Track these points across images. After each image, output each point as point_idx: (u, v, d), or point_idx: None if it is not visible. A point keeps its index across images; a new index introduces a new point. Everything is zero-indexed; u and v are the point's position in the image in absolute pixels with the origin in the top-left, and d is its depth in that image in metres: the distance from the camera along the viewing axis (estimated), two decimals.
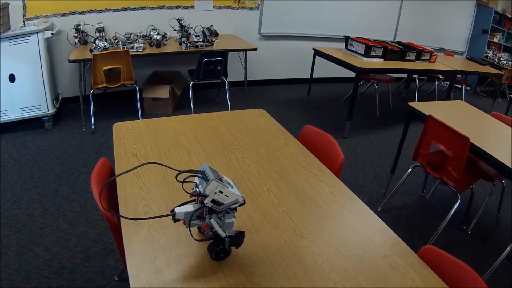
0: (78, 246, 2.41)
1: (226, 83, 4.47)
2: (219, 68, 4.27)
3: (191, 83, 4.31)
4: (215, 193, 1.01)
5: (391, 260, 1.29)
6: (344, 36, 4.84)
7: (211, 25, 4.56)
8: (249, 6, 5.17)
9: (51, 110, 3.81)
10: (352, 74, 4.17)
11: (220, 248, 1.12)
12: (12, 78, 3.52)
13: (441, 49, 6.82)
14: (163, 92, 4.41)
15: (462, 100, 6.26)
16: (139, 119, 4.03)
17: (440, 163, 2.72)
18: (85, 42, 3.97)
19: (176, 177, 1.03)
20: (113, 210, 1.51)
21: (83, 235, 2.51)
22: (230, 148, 1.90)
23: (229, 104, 4.58)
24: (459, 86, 6.59)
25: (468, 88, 6.85)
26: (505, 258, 2.39)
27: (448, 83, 6.39)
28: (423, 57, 4.64)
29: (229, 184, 1.06)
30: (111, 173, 1.71)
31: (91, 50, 3.62)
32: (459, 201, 2.63)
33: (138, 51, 3.85)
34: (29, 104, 3.68)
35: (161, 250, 1.18)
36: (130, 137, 1.95)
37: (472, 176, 2.75)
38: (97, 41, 3.68)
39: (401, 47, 4.62)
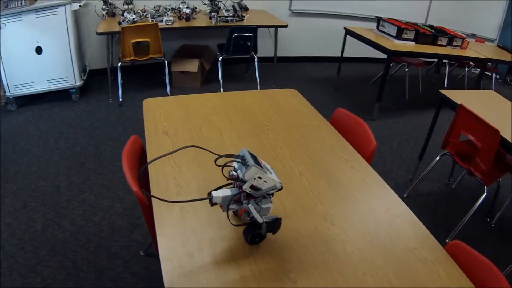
0: (104, 220, 2.45)
1: (256, 59, 4.43)
2: (248, 43, 4.23)
3: (220, 57, 4.29)
4: (254, 178, 1.01)
5: (420, 253, 1.27)
6: (375, 17, 4.71)
7: (241, 0, 4.48)
8: None
9: (78, 82, 3.84)
10: (382, 55, 4.08)
11: (256, 233, 1.13)
12: (39, 50, 3.55)
13: (472, 35, 6.57)
14: (192, 66, 4.39)
15: (492, 88, 6.12)
16: (167, 92, 4.07)
17: (468, 153, 2.66)
18: (113, 15, 3.96)
19: (215, 161, 1.03)
20: (143, 188, 1.53)
21: (109, 209, 2.55)
22: (262, 128, 1.89)
23: (258, 80, 4.55)
24: (489, 74, 6.37)
25: (498, 76, 6.61)
26: None
27: (477, 70, 6.22)
28: (454, 43, 4.48)
29: (267, 169, 1.05)
30: (142, 151, 1.72)
31: (119, 23, 3.61)
32: (485, 193, 2.58)
33: (167, 24, 3.83)
34: (56, 76, 3.72)
35: (193, 233, 1.19)
36: (160, 114, 1.95)
37: (500, 169, 2.68)
38: (125, 14, 3.66)
39: (433, 31, 4.47)
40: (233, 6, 4.30)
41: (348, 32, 4.64)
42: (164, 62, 4.02)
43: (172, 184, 1.40)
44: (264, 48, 4.61)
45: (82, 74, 3.96)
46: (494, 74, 6.27)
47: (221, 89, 4.36)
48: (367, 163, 1.74)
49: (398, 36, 4.23)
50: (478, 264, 1.28)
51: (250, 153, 1.05)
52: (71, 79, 3.77)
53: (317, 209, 1.38)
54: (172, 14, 4.02)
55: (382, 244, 1.28)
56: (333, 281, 1.11)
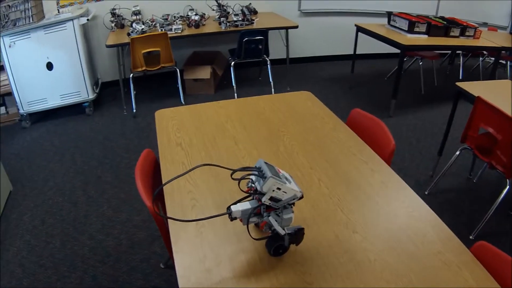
0: (123, 234, 2.44)
1: (268, 62, 4.40)
2: (260, 47, 4.21)
3: (232, 62, 4.27)
4: (273, 190, 0.98)
5: (444, 257, 1.22)
6: (386, 12, 4.63)
7: (250, 3, 4.47)
8: None
9: (91, 96, 3.87)
10: (394, 50, 4.01)
11: (279, 244, 1.10)
12: (49, 66, 3.59)
13: (484, 24, 6.43)
14: (204, 72, 4.39)
15: (507, 76, 5.97)
16: (181, 100, 4.07)
17: (489, 146, 2.58)
18: (122, 26, 3.98)
19: (231, 175, 1.01)
20: (158, 202, 1.51)
21: (127, 222, 2.55)
22: (278, 134, 1.86)
23: (271, 82, 4.53)
24: (503, 62, 6.22)
25: None
26: None
27: (492, 58, 6.07)
28: (467, 33, 4.38)
29: (286, 179, 1.02)
30: (156, 165, 1.70)
31: (128, 34, 3.63)
32: (507, 186, 2.50)
33: (176, 32, 3.83)
34: (68, 91, 3.76)
35: (210, 248, 1.16)
36: (173, 124, 1.94)
37: None
38: (134, 25, 3.68)
39: (445, 22, 4.38)
40: (242, 10, 4.28)
41: (359, 29, 4.58)
42: (176, 70, 4.03)
43: (187, 198, 1.38)
44: (276, 50, 4.59)
45: (94, 87, 3.99)
46: (509, 62, 6.12)
47: (235, 94, 4.35)
48: (386, 165, 1.70)
49: (410, 30, 4.16)
50: (506, 265, 1.23)
51: (267, 164, 1.02)
52: (83, 92, 3.80)
53: (337, 217, 1.34)
54: (181, 22, 4.03)
55: (405, 250, 1.23)
56: None
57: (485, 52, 5.76)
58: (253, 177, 1.04)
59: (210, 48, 4.94)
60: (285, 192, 1.00)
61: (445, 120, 3.20)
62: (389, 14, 4.54)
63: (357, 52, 4.78)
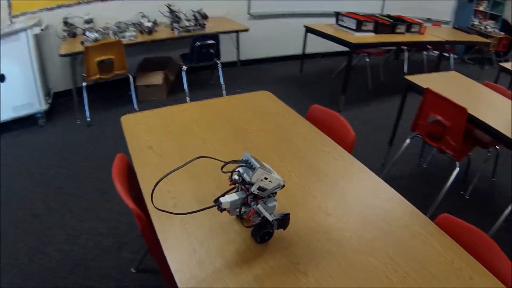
0: (89, 242, 2.41)
1: (219, 65, 4.46)
2: (212, 51, 4.27)
3: (185, 67, 4.29)
4: (262, 180, 1.05)
5: (412, 229, 1.36)
6: (334, 12, 4.83)
7: (201, 8, 4.50)
8: None
9: (44, 107, 3.75)
10: (341, 48, 4.20)
11: (265, 231, 1.17)
12: (2, 77, 3.45)
13: (428, 20, 6.85)
14: (157, 78, 4.38)
15: (451, 68, 6.38)
16: (134, 107, 4.04)
17: (438, 133, 2.78)
18: (74, 35, 3.90)
19: (221, 168, 1.06)
20: (136, 205, 1.52)
21: (93, 230, 2.51)
22: (244, 133, 1.92)
23: (223, 85, 4.60)
24: (447, 55, 6.66)
25: (456, 56, 6.93)
26: (504, 220, 2.47)
27: (435, 52, 6.48)
28: (413, 29, 4.68)
29: (269, 170, 1.09)
30: (131, 169, 1.71)
31: (82, 43, 3.56)
32: (457, 168, 2.72)
33: (130, 39, 3.80)
34: (21, 102, 3.61)
35: (198, 242, 1.21)
36: (140, 129, 1.95)
37: (469, 144, 2.83)
38: (87, 33, 3.61)
39: (392, 20, 4.64)
40: (194, 15, 4.31)
41: (308, 29, 4.75)
42: (129, 77, 3.99)
43: (167, 197, 1.41)
44: (227, 53, 4.65)
45: (47, 97, 3.86)
46: (452, 55, 6.55)
47: (187, 98, 4.38)
48: (348, 153, 1.82)
49: (358, 29, 4.37)
50: (468, 233, 1.39)
51: (252, 157, 1.09)
52: (36, 104, 3.68)
53: (311, 203, 1.43)
54: (134, 29, 4.00)
55: (377, 226, 1.35)
56: (339, 266, 1.17)
57: (429, 46, 6.14)
58: (240, 170, 1.10)
59: (161, 54, 4.93)
60: (271, 182, 1.07)
61: (393, 112, 3.40)
62: (337, 14, 4.74)
63: (306, 52, 4.96)
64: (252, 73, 5.57)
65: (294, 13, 5.73)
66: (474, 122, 2.54)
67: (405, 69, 6.21)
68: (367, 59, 5.43)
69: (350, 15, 4.54)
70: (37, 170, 3.10)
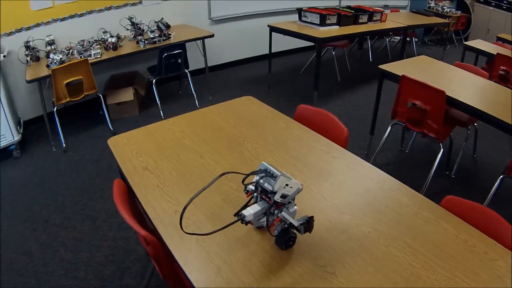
0: (89, 274, 2.32)
1: (188, 74, 4.42)
2: (179, 60, 4.22)
3: (154, 80, 4.23)
4: (284, 187, 1.05)
5: (422, 215, 1.40)
6: (296, 9, 4.87)
7: (162, 18, 4.45)
8: None
9: (17, 137, 3.60)
10: (306, 44, 4.22)
11: (289, 237, 1.17)
12: None
13: (386, 6, 7.01)
14: (127, 95, 4.29)
15: (414, 51, 6.57)
16: (108, 127, 3.95)
17: (418, 118, 2.85)
18: (38, 59, 3.76)
19: (243, 181, 1.05)
20: (140, 227, 1.48)
21: (90, 260, 2.43)
22: (238, 141, 1.91)
23: (194, 94, 4.56)
24: (408, 39, 6.86)
25: (417, 39, 7.13)
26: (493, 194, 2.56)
27: (396, 37, 6.65)
28: (374, 18, 4.78)
29: (288, 176, 1.09)
30: (130, 193, 1.67)
31: (48, 66, 3.44)
32: (441, 150, 2.79)
33: (96, 57, 3.70)
34: None
35: (220, 259, 1.19)
36: (131, 150, 1.89)
37: (449, 125, 2.91)
38: (51, 55, 3.49)
39: (353, 11, 4.73)
40: (157, 26, 4.25)
41: (273, 28, 4.76)
42: (100, 97, 3.89)
43: (176, 218, 1.38)
44: (193, 60, 4.61)
45: (18, 127, 3.71)
46: (413, 39, 6.73)
47: (161, 112, 4.32)
48: (345, 150, 1.84)
49: (322, 23, 4.42)
50: (473, 210, 1.44)
51: (270, 165, 1.08)
52: (8, 135, 3.52)
53: (322, 204, 1.44)
54: (98, 46, 3.90)
55: (390, 217, 1.38)
56: (364, 261, 1.19)
57: (390, 33, 6.30)
58: (259, 180, 1.09)
59: (127, 69, 4.83)
60: (291, 187, 1.07)
61: (366, 102, 3.48)
62: (299, 11, 4.78)
63: (272, 51, 4.98)
64: (221, 79, 5.54)
65: (256, 13, 5.75)
66: (452, 102, 2.62)
67: (370, 57, 6.35)
68: (333, 52, 5.51)
69: (312, 10, 4.59)
70: (20, 204, 2.98)
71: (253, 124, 2.08)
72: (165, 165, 1.73)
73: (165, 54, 4.04)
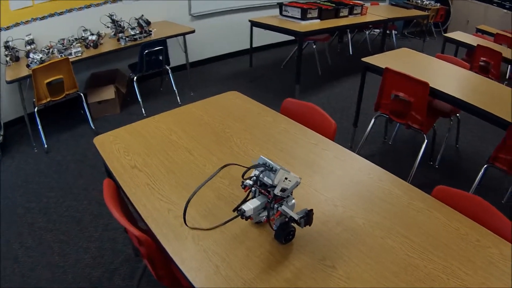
0: (78, 277, 2.27)
1: (169, 71, 4.38)
2: (160, 57, 4.17)
3: (135, 77, 4.17)
4: (283, 181, 1.04)
5: (414, 205, 1.42)
6: (277, 3, 4.86)
7: (142, 15, 4.38)
8: None
9: None
10: (287, 38, 4.21)
11: (288, 231, 1.17)
12: None
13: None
14: (108, 93, 4.22)
15: (394, 44, 6.64)
16: (90, 126, 3.88)
17: (402, 110, 2.88)
18: (17, 59, 3.65)
19: (243, 175, 1.04)
20: (134, 228, 1.45)
21: (78, 263, 2.38)
22: (225, 136, 1.89)
23: (176, 90, 4.52)
24: (388, 32, 6.93)
25: (396, 32, 7.21)
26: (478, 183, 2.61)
27: (376, 30, 6.71)
28: (355, 11, 4.81)
29: (286, 169, 1.08)
30: (119, 192, 1.64)
31: (28, 65, 3.35)
32: (425, 140, 2.84)
33: (77, 56, 3.62)
34: None
35: (218, 257, 1.17)
36: (118, 148, 1.85)
37: (432, 116, 2.96)
38: (31, 55, 3.40)
39: (334, 5, 4.74)
40: (138, 22, 4.19)
41: (254, 23, 4.74)
42: (81, 96, 3.82)
43: (170, 217, 1.35)
44: (174, 56, 4.56)
45: None
46: (393, 31, 6.80)
47: (143, 110, 4.26)
48: (333, 142, 1.86)
49: (304, 17, 4.43)
50: (463, 199, 1.47)
51: (268, 159, 1.08)
52: None
53: (315, 197, 1.44)
54: (79, 44, 3.82)
55: (383, 208, 1.40)
56: (362, 253, 1.19)
57: (370, 26, 6.35)
58: (258, 174, 1.08)
59: (108, 67, 4.75)
60: (290, 181, 1.07)
61: (347, 94, 3.50)
62: (280, 5, 4.76)
63: (254, 46, 4.97)
64: (202, 74, 5.50)
65: (237, 9, 5.72)
66: (435, 94, 2.66)
67: (350, 51, 6.39)
68: (314, 46, 5.52)
69: (293, 4, 4.59)
70: (4, 208, 2.90)
71: (240, 119, 2.07)
72: (154, 162, 1.71)
73: (146, 51, 3.99)
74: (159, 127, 2.02)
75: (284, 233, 1.15)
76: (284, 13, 4.72)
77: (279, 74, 5.53)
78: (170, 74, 4.42)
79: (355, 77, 3.30)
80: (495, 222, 1.37)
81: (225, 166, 1.04)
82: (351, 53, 6.35)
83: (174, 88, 4.52)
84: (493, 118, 2.35)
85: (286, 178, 1.05)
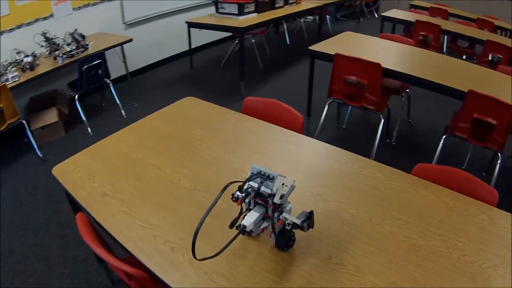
0: None
1: (111, 84, 4.19)
2: (100, 71, 3.98)
3: (76, 96, 3.95)
4: (282, 187, 1.00)
5: (399, 187, 1.44)
6: (212, 1, 4.78)
7: (76, 29, 4.15)
8: None
9: None
10: (224, 35, 4.15)
11: (288, 237, 1.13)
12: None
13: None
14: (51, 116, 3.97)
15: (329, 28, 6.76)
16: (37, 154, 3.63)
17: (356, 93, 2.93)
18: None
19: (240, 189, 1.00)
20: (126, 265, 1.34)
21: None
22: (194, 146, 1.81)
23: (119, 103, 4.33)
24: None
25: (329, 16, 7.36)
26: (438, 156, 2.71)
27: (310, 17, 6.81)
28: (290, 1, 4.83)
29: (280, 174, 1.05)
30: (94, 224, 1.51)
31: None
32: (382, 120, 2.90)
33: (14, 81, 3.36)
34: None
35: (221, 277, 1.11)
36: (82, 176, 1.72)
37: (385, 95, 3.03)
38: None
39: None
40: (73, 37, 3.96)
41: (191, 24, 4.64)
42: (24, 123, 3.55)
43: (159, 243, 1.26)
44: (114, 69, 4.37)
45: None
46: (327, 17, 6.93)
47: (88, 129, 4.05)
48: (305, 136, 1.83)
49: (241, 12, 4.39)
50: (444, 173, 1.50)
51: (261, 167, 1.03)
52: None
53: (303, 196, 1.42)
54: (14, 68, 3.54)
55: (371, 195, 1.41)
56: (365, 243, 1.19)
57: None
58: (259, 185, 1.03)
59: (46, 88, 4.45)
60: (286, 186, 1.03)
61: (292, 84, 3.51)
62: (216, 3, 4.69)
63: (192, 46, 4.90)
64: (144, 83, 5.32)
65: (172, 11, 5.56)
66: (385, 73, 2.72)
67: (288, 40, 6.44)
68: (253, 40, 5.50)
69: (229, 0, 4.53)
70: None
71: (202, 125, 2.00)
72: (124, 186, 1.59)
73: (85, 66, 3.78)
74: (119, 146, 1.90)
75: (285, 240, 1.11)
76: (220, 10, 4.66)
77: (221, 72, 5.46)
78: (112, 87, 4.23)
79: (298, 66, 3.31)
80: (477, 190, 1.42)
81: (230, 184, 0.97)
82: (288, 42, 6.40)
83: (117, 101, 4.33)
84: (449, 90, 2.44)
85: (283, 184, 1.01)
